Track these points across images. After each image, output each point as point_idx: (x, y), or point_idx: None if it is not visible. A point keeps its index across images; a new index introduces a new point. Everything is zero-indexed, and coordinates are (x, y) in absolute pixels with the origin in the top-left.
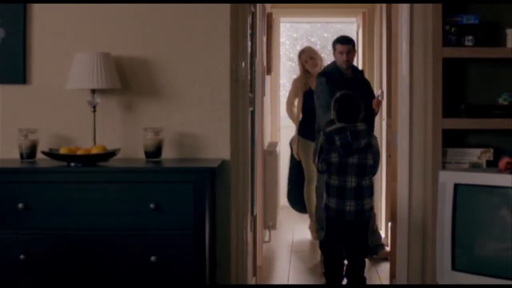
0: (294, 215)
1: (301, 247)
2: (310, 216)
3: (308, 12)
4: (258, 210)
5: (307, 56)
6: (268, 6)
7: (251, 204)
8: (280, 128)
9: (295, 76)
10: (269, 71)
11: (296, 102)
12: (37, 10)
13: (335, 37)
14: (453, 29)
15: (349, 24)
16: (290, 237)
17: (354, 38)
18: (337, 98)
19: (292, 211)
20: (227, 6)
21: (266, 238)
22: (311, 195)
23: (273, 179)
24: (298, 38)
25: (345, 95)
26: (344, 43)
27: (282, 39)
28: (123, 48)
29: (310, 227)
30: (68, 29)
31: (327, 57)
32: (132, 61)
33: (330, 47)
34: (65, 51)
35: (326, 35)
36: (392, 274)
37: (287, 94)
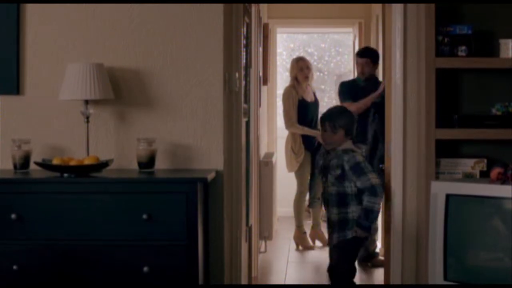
0: (291, 225)
1: (297, 257)
2: (297, 226)
3: (304, 23)
4: (253, 220)
5: (304, 64)
6: (264, 16)
7: (246, 214)
8: (277, 139)
9: (282, 91)
10: (265, 81)
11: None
12: (30, 21)
13: (331, 47)
14: (446, 40)
15: (346, 35)
16: (286, 247)
17: (350, 48)
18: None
19: (287, 221)
20: (220, 17)
21: (262, 249)
22: (300, 206)
23: (268, 190)
24: (295, 48)
25: (332, 107)
26: (360, 56)
27: (279, 50)
28: (116, 59)
29: (295, 237)
30: (61, 40)
31: (324, 67)
32: (125, 72)
33: (327, 58)
34: (58, 62)
35: (323, 45)
36: (386, 284)
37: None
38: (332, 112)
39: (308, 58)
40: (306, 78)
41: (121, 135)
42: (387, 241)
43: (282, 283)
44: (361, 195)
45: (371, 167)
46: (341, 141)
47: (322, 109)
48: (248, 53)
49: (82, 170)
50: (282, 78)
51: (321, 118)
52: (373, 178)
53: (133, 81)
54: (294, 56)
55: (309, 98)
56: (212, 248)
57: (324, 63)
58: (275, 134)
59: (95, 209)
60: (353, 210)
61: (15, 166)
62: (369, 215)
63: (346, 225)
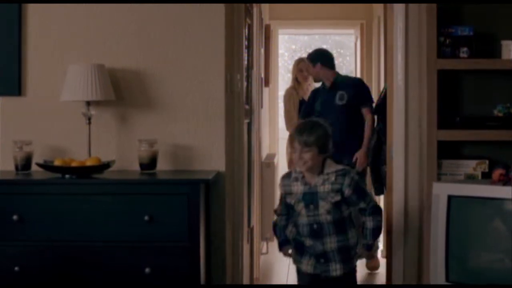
0: None
1: None
2: None
3: (306, 24)
4: (255, 221)
5: (304, 65)
6: (266, 18)
7: (247, 215)
8: (279, 140)
9: (283, 92)
10: (267, 83)
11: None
12: (31, 22)
13: (333, 48)
14: (448, 41)
15: (347, 36)
16: None
17: (352, 50)
18: None
19: None
20: (222, 18)
21: (264, 250)
22: None
23: (270, 191)
24: (296, 49)
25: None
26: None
27: (280, 51)
28: (117, 60)
29: None
30: (62, 41)
31: None
32: (127, 73)
33: None
34: (60, 63)
35: (324, 46)
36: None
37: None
38: (301, 127)
39: None
40: (306, 79)
41: (122, 136)
42: (389, 242)
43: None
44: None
45: (363, 182)
46: (314, 161)
47: None
48: (250, 54)
49: (83, 171)
50: (283, 79)
51: (289, 136)
52: (372, 196)
53: (135, 82)
54: (296, 57)
55: None
56: (214, 250)
57: None
58: (276, 135)
59: (97, 210)
60: (352, 236)
61: (16, 168)
62: (377, 234)
63: (348, 253)
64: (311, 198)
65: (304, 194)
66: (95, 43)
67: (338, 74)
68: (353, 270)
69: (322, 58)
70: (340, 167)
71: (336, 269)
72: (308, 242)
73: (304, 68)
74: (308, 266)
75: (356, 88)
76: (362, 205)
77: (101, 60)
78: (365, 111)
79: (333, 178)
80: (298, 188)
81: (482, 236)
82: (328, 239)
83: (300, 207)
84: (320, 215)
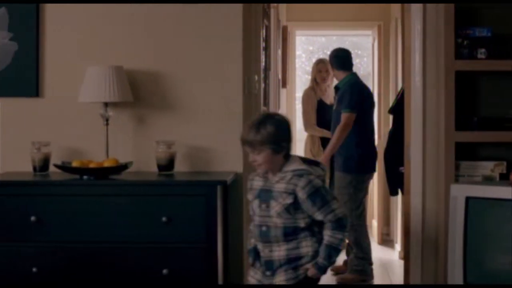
0: None
1: None
2: None
3: (323, 25)
4: None
5: (323, 67)
6: (283, 19)
7: None
8: (296, 141)
9: (301, 93)
10: (284, 84)
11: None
12: (49, 24)
13: (350, 49)
14: (465, 42)
15: (364, 37)
16: None
17: (369, 51)
18: None
19: None
20: (239, 19)
21: None
22: None
23: None
24: (314, 51)
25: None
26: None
27: (298, 52)
28: (135, 61)
29: None
30: (80, 43)
31: None
32: (144, 74)
33: None
34: (78, 64)
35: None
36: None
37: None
38: (248, 125)
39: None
40: (324, 80)
41: (140, 138)
42: (407, 244)
43: None
44: (314, 226)
45: (332, 193)
46: (270, 163)
47: None
48: (267, 56)
49: (101, 173)
50: (301, 80)
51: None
52: (338, 208)
53: (152, 84)
54: (313, 59)
55: (328, 100)
56: (232, 251)
57: None
58: (294, 136)
59: (115, 212)
60: (308, 245)
61: (34, 169)
62: (333, 254)
63: (296, 263)
64: (265, 196)
65: (260, 190)
66: (113, 44)
67: (346, 76)
68: (296, 285)
69: (332, 59)
70: (302, 166)
71: (273, 282)
72: (260, 247)
73: (323, 69)
74: (256, 275)
75: (341, 92)
76: (318, 216)
77: (119, 61)
78: (342, 115)
79: (288, 177)
80: (258, 183)
81: (500, 237)
82: (275, 247)
83: (255, 205)
84: (270, 217)
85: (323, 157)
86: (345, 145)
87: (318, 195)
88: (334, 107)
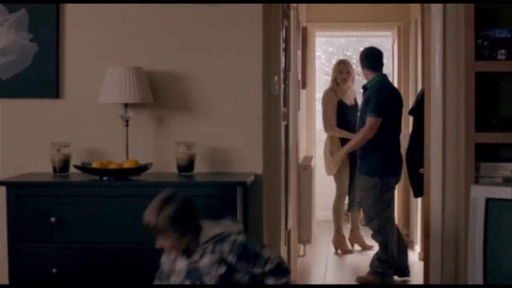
0: (329, 229)
1: (336, 261)
2: (335, 230)
3: (343, 26)
4: (292, 224)
5: (344, 67)
6: (303, 20)
7: (285, 218)
8: (316, 142)
9: (321, 94)
10: (304, 85)
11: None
12: (69, 25)
13: None
14: (485, 43)
15: (384, 38)
16: (325, 251)
17: (389, 52)
18: None
19: (326, 225)
20: (259, 20)
21: (301, 253)
22: (339, 210)
23: (307, 193)
24: (333, 52)
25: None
26: None
27: (317, 53)
28: (155, 62)
29: (333, 241)
30: (100, 44)
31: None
32: (164, 76)
33: None
34: (98, 66)
35: (361, 49)
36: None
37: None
38: (148, 210)
39: None
40: (345, 81)
41: (160, 139)
42: (427, 245)
43: None
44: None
45: (259, 242)
46: (180, 245)
47: None
48: (287, 57)
49: (121, 174)
50: (320, 81)
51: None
52: (272, 255)
53: (172, 85)
54: (333, 60)
55: (349, 101)
56: None
57: None
58: (314, 137)
59: (135, 213)
60: None
61: (54, 170)
62: None
63: None
64: (196, 275)
65: (187, 272)
66: (133, 45)
67: (374, 77)
68: None
69: (362, 58)
70: (218, 230)
71: None
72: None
73: (344, 70)
74: None
75: (368, 94)
76: (256, 270)
77: (139, 62)
78: (367, 118)
79: (210, 248)
80: (181, 263)
81: None
82: None
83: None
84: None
85: (338, 155)
86: (369, 148)
87: (248, 252)
88: (360, 107)
